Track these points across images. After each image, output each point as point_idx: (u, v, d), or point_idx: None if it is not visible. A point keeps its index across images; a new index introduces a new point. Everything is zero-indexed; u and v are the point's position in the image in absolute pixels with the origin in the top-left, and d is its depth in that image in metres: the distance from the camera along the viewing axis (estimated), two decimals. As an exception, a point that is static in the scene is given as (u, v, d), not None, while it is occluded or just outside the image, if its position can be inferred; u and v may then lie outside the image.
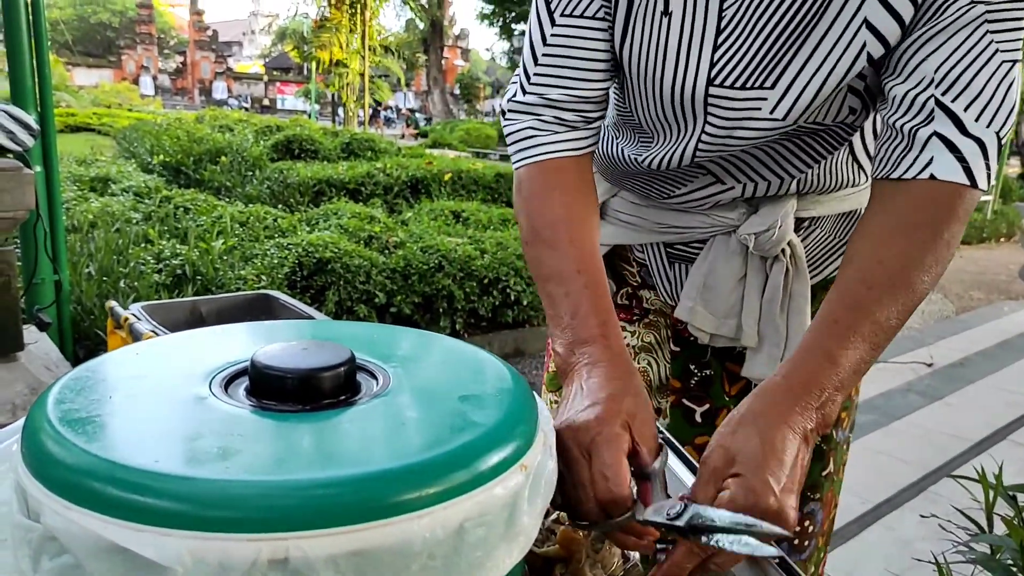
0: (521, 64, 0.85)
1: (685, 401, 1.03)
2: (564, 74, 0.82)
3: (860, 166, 0.92)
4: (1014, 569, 1.18)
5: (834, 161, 0.88)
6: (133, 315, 2.40)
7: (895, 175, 0.72)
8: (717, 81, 0.79)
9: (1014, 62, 0.69)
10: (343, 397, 0.54)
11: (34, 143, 2.77)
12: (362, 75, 22.12)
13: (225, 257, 4.26)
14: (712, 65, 0.78)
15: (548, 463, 0.55)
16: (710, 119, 0.81)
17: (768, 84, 0.77)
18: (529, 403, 0.57)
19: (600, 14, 0.81)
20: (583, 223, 0.79)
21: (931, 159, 0.69)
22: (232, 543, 0.41)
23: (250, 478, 0.43)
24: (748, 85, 0.78)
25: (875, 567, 2.38)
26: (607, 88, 0.85)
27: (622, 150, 0.92)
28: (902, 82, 0.72)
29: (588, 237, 0.79)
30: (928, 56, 0.70)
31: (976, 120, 0.69)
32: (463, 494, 0.46)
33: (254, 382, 0.55)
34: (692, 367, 1.02)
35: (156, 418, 0.51)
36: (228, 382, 0.56)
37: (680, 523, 0.58)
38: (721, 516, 0.57)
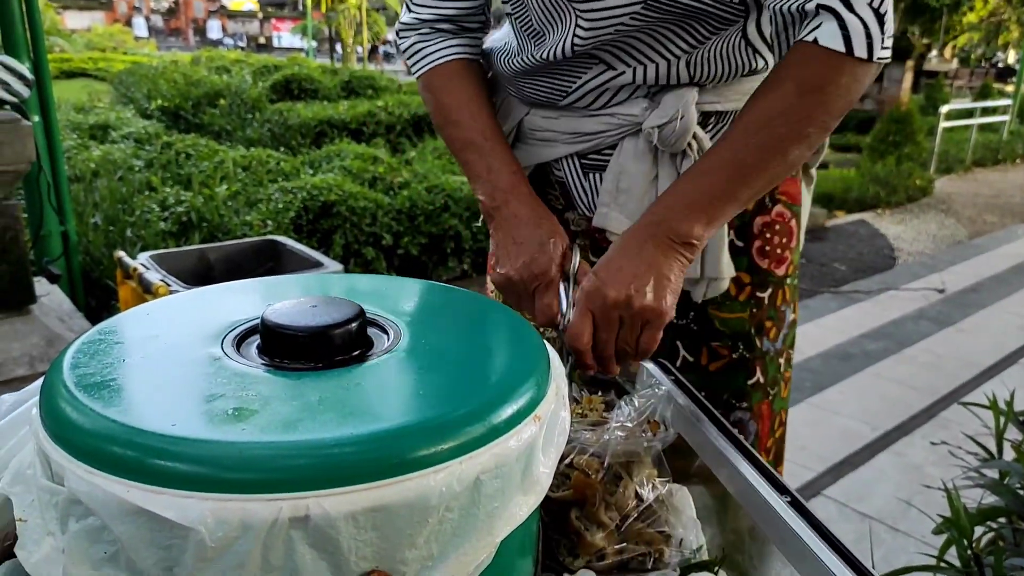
0: None
1: None
2: None
3: (755, 50, 0.93)
4: (1022, 494, 1.20)
5: (725, 46, 0.90)
6: (142, 265, 2.41)
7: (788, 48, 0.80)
8: None
9: None
10: (355, 353, 0.54)
11: (30, 93, 2.73)
12: (360, 9, 21.52)
13: (230, 203, 4.25)
14: None
15: (561, 412, 0.55)
16: (574, 3, 0.87)
17: None
18: (541, 353, 0.57)
19: None
20: (481, 106, 0.96)
21: (819, 25, 0.76)
22: (253, 503, 0.41)
23: (268, 439, 0.43)
24: None
25: (885, 493, 2.42)
26: (474, 7, 0.98)
27: (523, 59, 0.96)
28: None
29: (488, 115, 0.96)
30: None
31: None
32: (479, 448, 0.46)
33: (265, 340, 0.55)
34: None
35: (171, 380, 0.51)
36: (240, 340, 0.56)
37: None
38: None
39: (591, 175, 0.99)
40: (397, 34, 1.01)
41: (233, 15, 46.78)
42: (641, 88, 0.92)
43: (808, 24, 0.77)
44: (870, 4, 0.74)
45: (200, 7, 45.02)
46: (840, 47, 0.74)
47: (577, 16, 0.87)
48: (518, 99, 1.03)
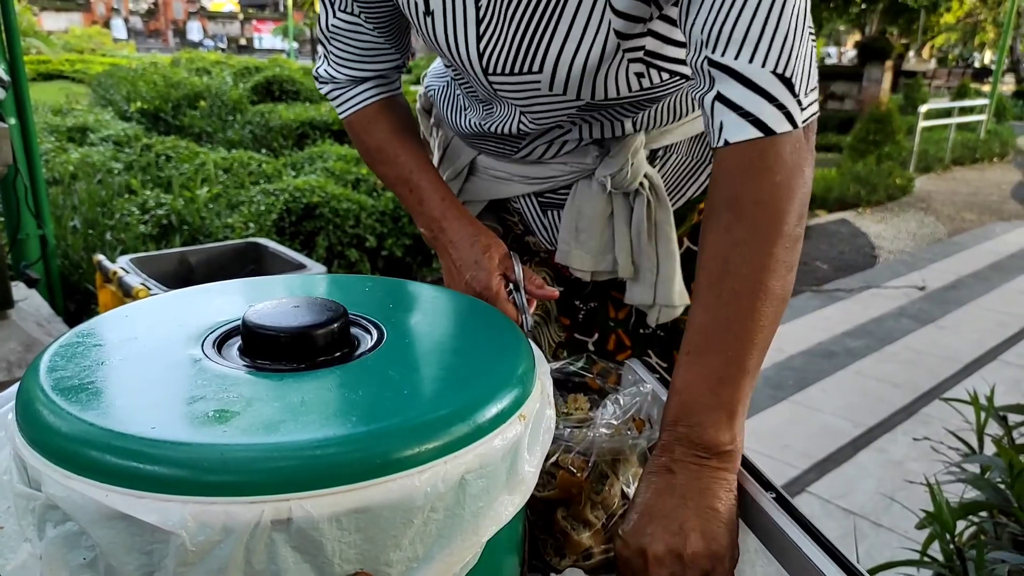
0: (319, 38, 0.97)
1: (576, 335, 1.09)
2: (346, 58, 0.94)
3: None
4: (1003, 488, 1.22)
5: (672, 101, 0.91)
6: (122, 268, 2.38)
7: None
8: (489, 69, 0.82)
9: None
10: (338, 354, 0.54)
11: (5, 95, 2.69)
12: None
13: (211, 205, 4.21)
14: (480, 55, 0.82)
15: (546, 411, 0.55)
16: (507, 99, 0.86)
17: (535, 68, 0.80)
18: (525, 352, 0.57)
19: (362, 16, 0.90)
20: (403, 142, 0.96)
21: (721, 124, 0.67)
22: (234, 506, 0.41)
23: (249, 441, 0.43)
24: (516, 71, 0.81)
25: (868, 489, 2.44)
26: (393, 65, 0.96)
27: (470, 120, 0.96)
28: (690, 54, 0.70)
29: (412, 150, 0.96)
30: (694, 21, 0.68)
31: (750, 64, 0.65)
32: (463, 447, 0.46)
33: (247, 342, 0.54)
34: (577, 302, 1.08)
35: (151, 382, 0.50)
36: (221, 342, 0.56)
37: None
38: None
39: (549, 212, 1.01)
40: (316, 78, 1.00)
41: (213, 16, 46.41)
42: (588, 139, 0.94)
43: (711, 124, 0.68)
44: (772, 70, 0.65)
45: (180, 8, 44.65)
46: (753, 133, 0.65)
47: (520, 113, 0.88)
48: (465, 143, 1.03)
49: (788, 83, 0.65)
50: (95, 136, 6.07)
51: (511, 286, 0.89)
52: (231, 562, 0.41)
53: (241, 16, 46.32)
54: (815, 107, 0.68)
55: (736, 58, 0.65)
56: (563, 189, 0.98)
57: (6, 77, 2.62)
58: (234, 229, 3.90)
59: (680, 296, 0.97)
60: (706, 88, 0.68)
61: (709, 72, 0.67)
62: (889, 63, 11.97)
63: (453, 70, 0.93)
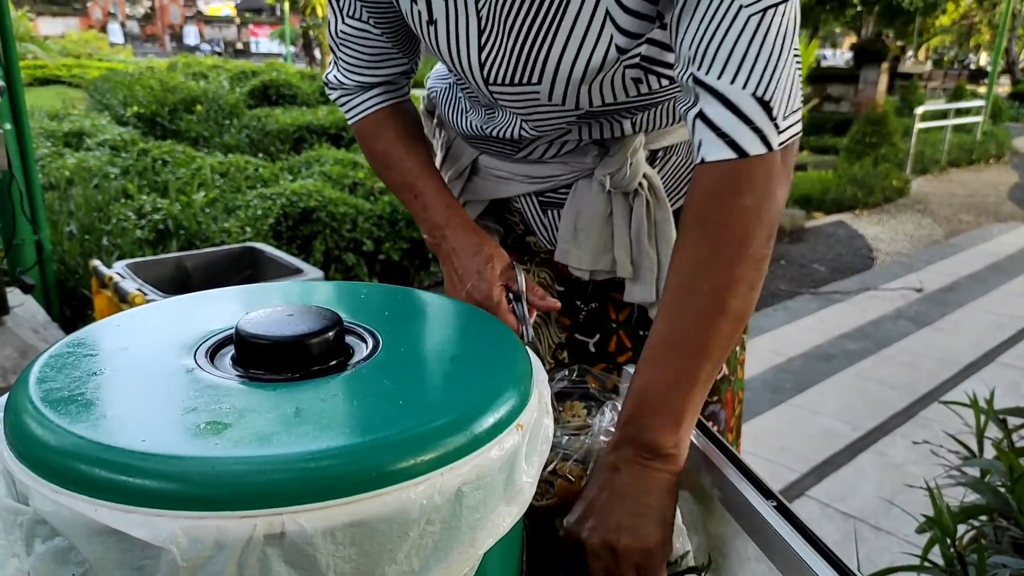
0: (329, 44, 0.98)
1: (577, 335, 1.09)
2: (355, 64, 0.94)
3: None
4: (1003, 492, 1.21)
5: (669, 105, 0.90)
6: (118, 274, 2.37)
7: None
8: (490, 80, 0.83)
9: (763, 10, 0.64)
10: (333, 363, 0.53)
11: (1, 100, 2.69)
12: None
13: (207, 210, 4.20)
14: (481, 65, 0.83)
15: (544, 420, 0.54)
16: (507, 107, 0.87)
17: (535, 79, 0.81)
18: (523, 360, 0.56)
19: (371, 21, 0.89)
20: (409, 147, 0.96)
21: (700, 142, 0.68)
22: (226, 521, 0.40)
23: (241, 453, 0.42)
24: (516, 81, 0.82)
25: (867, 493, 2.44)
26: (401, 70, 0.96)
27: (472, 123, 0.97)
28: (678, 69, 0.70)
29: (417, 155, 0.96)
30: (683, 37, 0.68)
31: (732, 84, 0.65)
32: (460, 458, 0.45)
33: (240, 351, 0.53)
34: (578, 303, 1.08)
35: (141, 393, 0.49)
36: (213, 352, 0.55)
37: None
38: None
39: (549, 212, 1.01)
40: (325, 84, 1.01)
41: (210, 20, 46.42)
42: (588, 139, 0.94)
43: (693, 141, 0.69)
44: (752, 92, 0.65)
45: (176, 12, 44.69)
46: (728, 154, 0.66)
47: (521, 121, 0.89)
48: (467, 144, 1.04)
49: (767, 106, 0.65)
50: (91, 141, 6.07)
51: (512, 296, 0.90)
52: (223, 577, 0.40)
53: (238, 20, 46.32)
54: (795, 128, 0.68)
55: (719, 78, 0.66)
56: (563, 188, 0.98)
57: (1, 82, 2.61)
58: (231, 234, 3.89)
59: None
60: (691, 104, 0.69)
61: (694, 88, 0.68)
62: (885, 65, 11.99)
63: (456, 76, 0.93)
